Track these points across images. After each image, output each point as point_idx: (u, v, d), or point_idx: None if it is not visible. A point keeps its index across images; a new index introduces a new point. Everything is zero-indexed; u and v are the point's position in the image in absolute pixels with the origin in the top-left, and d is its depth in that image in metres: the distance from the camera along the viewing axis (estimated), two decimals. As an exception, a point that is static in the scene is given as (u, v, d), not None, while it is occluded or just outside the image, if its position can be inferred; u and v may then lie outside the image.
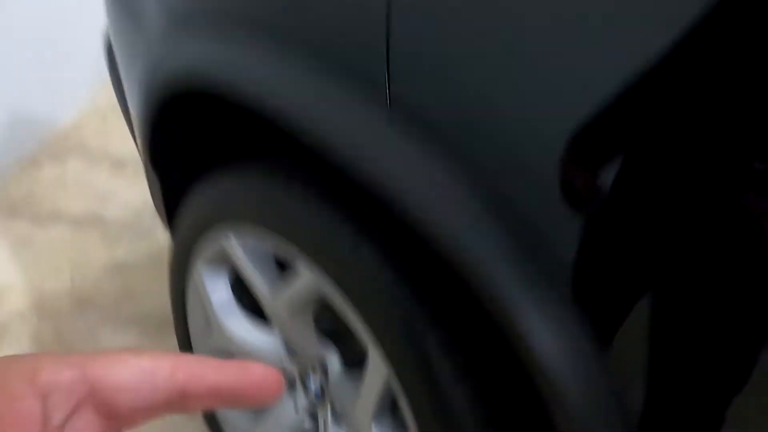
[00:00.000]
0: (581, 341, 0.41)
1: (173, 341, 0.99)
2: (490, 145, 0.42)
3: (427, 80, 0.44)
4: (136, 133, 0.92)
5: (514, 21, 0.39)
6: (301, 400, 0.77)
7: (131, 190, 1.64)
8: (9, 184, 1.59)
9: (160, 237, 1.44)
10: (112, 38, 0.95)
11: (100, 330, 1.18)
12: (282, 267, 0.70)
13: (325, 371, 0.72)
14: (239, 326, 0.78)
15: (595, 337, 0.41)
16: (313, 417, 0.77)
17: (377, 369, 0.56)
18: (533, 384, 0.43)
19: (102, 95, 2.18)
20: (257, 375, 0.18)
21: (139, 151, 0.97)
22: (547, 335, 0.41)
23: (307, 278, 0.60)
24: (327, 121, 0.48)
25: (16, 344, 1.12)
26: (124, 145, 1.82)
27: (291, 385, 0.79)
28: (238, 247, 0.69)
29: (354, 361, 0.69)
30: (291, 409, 0.78)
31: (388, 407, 0.61)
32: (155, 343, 1.14)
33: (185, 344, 0.92)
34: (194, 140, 0.83)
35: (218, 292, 0.78)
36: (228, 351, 0.83)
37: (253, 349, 0.79)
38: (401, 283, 0.53)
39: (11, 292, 1.24)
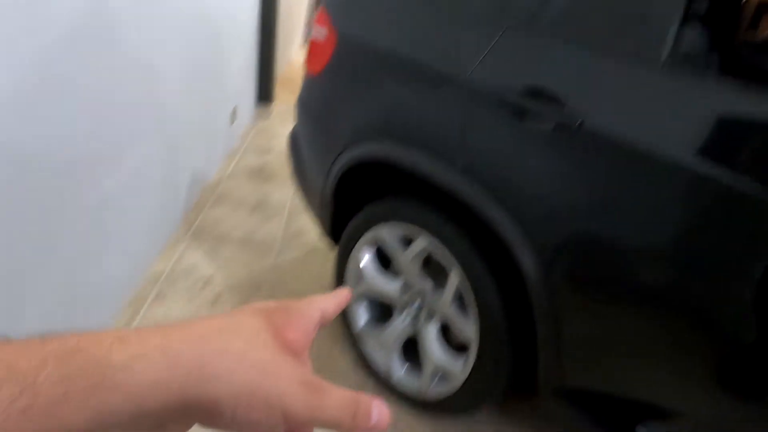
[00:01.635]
0: (537, 265, 1.17)
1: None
2: (514, 190, 1.20)
3: (481, 158, 1.23)
4: (316, 188, 1.72)
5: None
6: (409, 315, 1.53)
7: (266, 225, 2.48)
8: (191, 218, 2.43)
9: (292, 252, 2.25)
10: (306, 136, 1.78)
11: (269, 300, 1.97)
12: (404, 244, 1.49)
13: (423, 294, 1.48)
14: (379, 278, 1.57)
15: (542, 263, 1.17)
16: (414, 323, 1.53)
17: (454, 277, 1.33)
18: (523, 281, 1.19)
19: (228, 163, 3.10)
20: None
21: (305, 197, 1.78)
22: (530, 265, 1.17)
23: (422, 242, 1.39)
24: (436, 171, 1.29)
25: (227, 306, 1.90)
26: (253, 196, 2.71)
27: (402, 307, 1.55)
28: (387, 234, 1.48)
29: (437, 286, 1.45)
30: (401, 321, 1.54)
31: (457, 299, 1.37)
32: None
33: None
34: (354, 189, 1.63)
35: (369, 258, 1.57)
36: (368, 294, 1.61)
37: (383, 291, 1.56)
38: (465, 240, 1.31)
39: (214, 280, 2.04)
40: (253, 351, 0.25)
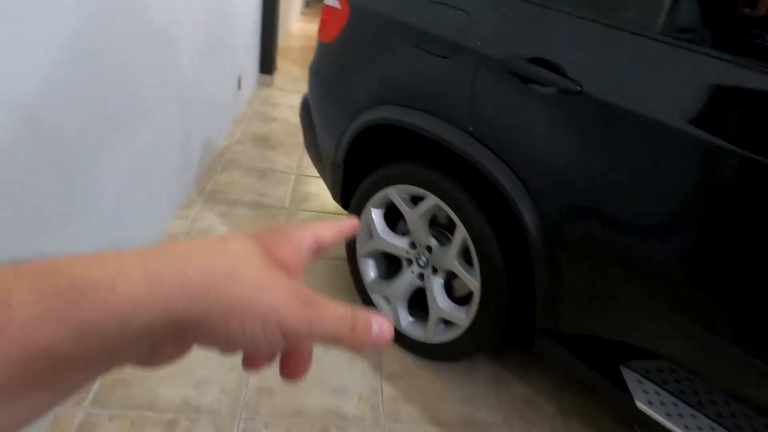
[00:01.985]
0: (538, 221, 1.29)
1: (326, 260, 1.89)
2: (516, 150, 1.31)
3: (487, 122, 1.34)
4: (327, 152, 1.83)
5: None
6: (415, 269, 1.66)
7: (275, 189, 2.58)
8: (203, 183, 2.53)
9: (300, 213, 2.36)
10: (313, 106, 1.87)
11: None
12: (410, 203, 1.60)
13: (429, 250, 1.61)
14: (388, 235, 1.69)
15: (542, 218, 1.29)
16: (420, 277, 1.65)
17: (460, 233, 1.45)
18: (523, 236, 1.31)
19: (235, 130, 3.19)
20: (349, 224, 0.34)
21: (315, 162, 1.89)
22: (530, 221, 1.29)
23: (430, 201, 1.50)
24: (445, 133, 1.39)
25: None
26: (262, 162, 2.80)
27: (410, 263, 1.68)
28: (396, 195, 1.60)
29: (442, 242, 1.58)
30: (409, 275, 1.67)
31: (462, 253, 1.50)
32: (325, 264, 2.04)
33: (352, 255, 1.81)
34: (365, 154, 1.74)
35: (378, 218, 1.69)
36: (377, 250, 1.74)
37: (391, 247, 1.68)
38: (471, 198, 1.42)
39: (228, 239, 2.15)
40: (242, 268, 0.24)
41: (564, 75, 1.18)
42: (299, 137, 3.18)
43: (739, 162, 0.99)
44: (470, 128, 1.36)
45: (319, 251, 0.31)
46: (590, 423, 1.59)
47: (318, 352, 1.65)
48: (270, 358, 0.29)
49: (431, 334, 1.62)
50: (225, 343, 0.23)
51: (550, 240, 1.29)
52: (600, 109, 1.14)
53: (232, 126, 3.22)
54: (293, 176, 2.76)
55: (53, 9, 1.11)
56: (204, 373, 1.51)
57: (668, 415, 1.18)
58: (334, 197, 1.91)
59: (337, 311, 0.25)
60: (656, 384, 1.25)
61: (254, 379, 1.52)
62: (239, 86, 3.32)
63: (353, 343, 0.25)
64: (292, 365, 0.29)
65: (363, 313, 0.25)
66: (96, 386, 1.40)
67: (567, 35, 1.21)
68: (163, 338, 0.22)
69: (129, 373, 1.45)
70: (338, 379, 1.58)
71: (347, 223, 0.35)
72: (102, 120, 1.40)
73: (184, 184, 2.34)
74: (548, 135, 1.23)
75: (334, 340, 0.25)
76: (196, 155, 2.47)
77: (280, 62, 4.52)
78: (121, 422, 1.33)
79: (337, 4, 1.72)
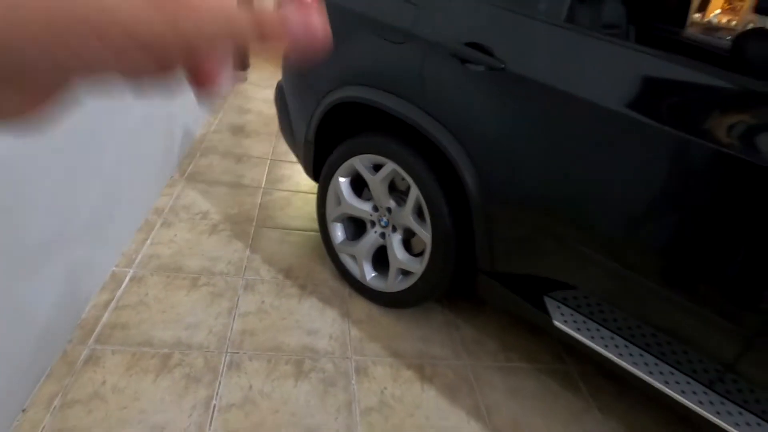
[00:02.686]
0: (470, 166, 1.55)
1: (300, 236, 2.13)
2: (458, 120, 1.58)
3: (434, 97, 1.60)
4: (299, 131, 2.07)
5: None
6: (378, 229, 1.91)
7: (252, 172, 2.80)
8: (183, 166, 2.74)
9: (276, 193, 2.59)
10: (287, 91, 2.12)
11: (260, 230, 2.31)
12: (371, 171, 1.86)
13: (389, 211, 1.86)
14: (352, 200, 1.94)
15: (480, 179, 1.55)
16: (382, 236, 1.91)
17: (414, 193, 1.71)
18: (465, 195, 1.57)
19: (213, 119, 3.39)
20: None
21: (290, 143, 2.13)
22: (470, 179, 1.55)
23: (389, 167, 1.76)
24: (400, 107, 1.65)
25: (225, 233, 2.23)
26: (238, 149, 3.02)
27: (373, 224, 1.93)
28: (360, 164, 1.85)
29: (400, 204, 1.83)
30: (373, 235, 1.92)
31: (416, 211, 1.76)
32: (289, 235, 2.27)
33: (323, 220, 2.06)
34: (332, 131, 1.98)
35: (345, 185, 1.94)
36: (344, 214, 1.99)
37: (357, 210, 1.93)
38: (423, 163, 1.68)
39: (211, 213, 2.37)
40: None
41: (492, 55, 1.45)
42: (274, 127, 3.42)
43: (629, 123, 1.28)
44: (421, 103, 1.62)
45: None
46: (527, 356, 1.87)
47: (293, 303, 1.90)
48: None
49: (391, 284, 1.88)
50: (55, 81, 0.18)
51: (486, 196, 1.56)
52: (519, 83, 1.41)
53: (209, 117, 3.42)
54: (268, 161, 2.98)
55: None
56: (193, 319, 1.72)
57: (578, 330, 1.46)
58: (306, 171, 2.15)
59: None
60: (571, 308, 1.53)
61: (238, 323, 1.75)
62: (215, 79, 3.52)
63: (262, 35, 0.20)
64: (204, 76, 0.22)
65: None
66: (98, 327, 1.61)
67: (495, 23, 1.48)
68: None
69: (126, 317, 1.66)
70: (312, 323, 1.82)
71: None
72: (95, 102, 1.61)
73: (169, 165, 2.54)
74: (482, 107, 1.50)
75: (226, 34, 0.20)
76: (178, 140, 2.68)
77: (254, 59, 4.72)
78: (122, 356, 1.54)
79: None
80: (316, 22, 0.21)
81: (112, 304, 1.71)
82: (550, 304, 1.55)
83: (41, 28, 0.17)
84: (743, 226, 1.18)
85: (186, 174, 2.65)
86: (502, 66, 1.43)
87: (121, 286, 1.79)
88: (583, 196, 1.40)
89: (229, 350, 1.63)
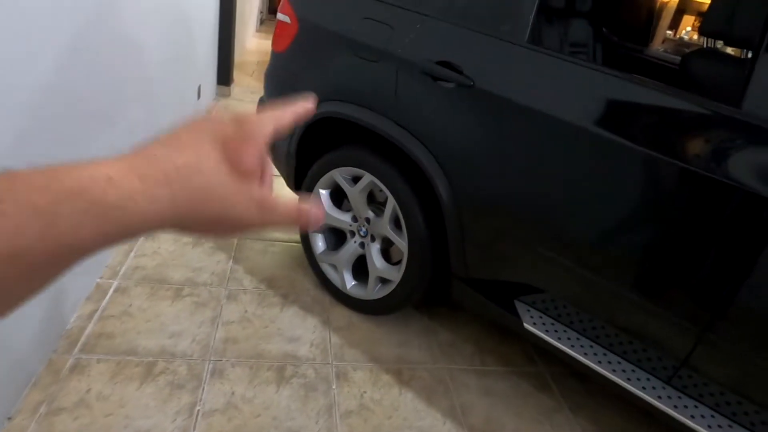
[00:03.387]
0: (441, 175, 1.64)
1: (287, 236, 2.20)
2: (431, 134, 1.66)
3: (408, 112, 1.69)
4: (281, 145, 2.14)
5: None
6: (357, 239, 1.98)
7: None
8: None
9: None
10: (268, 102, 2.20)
11: (244, 241, 2.36)
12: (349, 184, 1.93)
13: (368, 222, 1.94)
14: (333, 211, 2.01)
15: (452, 190, 1.64)
16: (362, 246, 1.98)
17: (390, 203, 1.79)
18: (439, 205, 1.66)
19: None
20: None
21: (273, 157, 2.20)
22: (443, 190, 1.64)
23: (367, 179, 1.84)
24: (376, 122, 1.74)
25: (208, 244, 2.29)
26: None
27: (353, 234, 2.00)
28: (340, 176, 1.92)
29: (378, 214, 1.91)
30: (352, 245, 1.99)
31: (393, 221, 1.83)
32: (281, 246, 2.33)
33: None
34: (312, 145, 2.06)
35: (326, 196, 2.01)
36: (325, 225, 2.06)
37: (337, 221, 2.00)
38: (399, 175, 1.77)
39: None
40: (215, 187, 0.30)
41: (461, 73, 1.55)
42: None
43: (591, 136, 1.37)
44: (395, 117, 1.71)
45: (282, 131, 0.36)
46: (502, 360, 1.95)
47: (275, 311, 1.95)
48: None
49: (371, 292, 1.94)
50: (199, 236, 0.34)
51: (457, 205, 1.64)
52: (487, 99, 1.51)
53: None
54: (251, 174, 3.04)
55: (53, 21, 1.39)
56: (177, 327, 1.77)
57: (547, 332, 1.54)
58: (288, 183, 2.22)
59: (286, 208, 0.34)
60: (540, 311, 1.62)
61: (221, 332, 1.80)
62: (199, 95, 3.59)
63: (296, 225, 0.35)
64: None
65: (303, 207, 0.35)
66: (83, 337, 1.65)
67: (464, 43, 1.58)
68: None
69: (111, 327, 1.70)
70: (293, 331, 1.88)
71: (303, 105, 0.38)
72: (86, 111, 1.67)
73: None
74: (453, 121, 1.59)
75: (285, 226, 0.35)
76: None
77: (237, 75, 4.80)
78: (107, 364, 1.58)
79: (288, 19, 2.05)
80: (322, 214, 0.37)
81: (97, 315, 1.75)
82: (521, 307, 1.63)
83: (208, 229, 0.33)
84: (699, 233, 1.28)
85: (170, 187, 2.70)
86: (471, 83, 1.52)
87: (105, 297, 1.83)
88: (547, 204, 1.49)
89: (212, 358, 1.68)
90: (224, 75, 4.42)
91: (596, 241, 1.45)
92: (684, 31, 8.32)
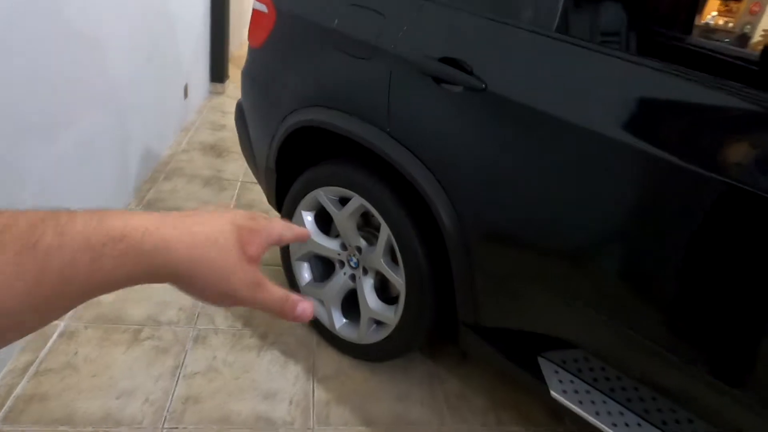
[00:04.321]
0: (444, 198, 1.30)
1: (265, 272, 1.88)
2: (431, 149, 1.33)
3: (403, 122, 1.36)
4: (261, 156, 1.82)
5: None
6: (347, 270, 1.66)
7: (218, 196, 2.56)
8: (143, 192, 2.49)
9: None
10: (247, 111, 1.87)
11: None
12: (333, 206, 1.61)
13: (360, 251, 1.61)
14: (319, 237, 1.69)
15: (457, 215, 1.31)
16: (352, 278, 1.66)
17: (384, 232, 1.47)
18: (441, 234, 1.32)
19: (182, 138, 3.15)
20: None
21: (252, 166, 1.88)
22: (446, 218, 1.31)
23: (356, 202, 1.51)
24: (366, 134, 1.41)
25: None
26: (206, 170, 2.78)
27: (342, 264, 1.68)
28: (325, 197, 1.60)
29: (371, 242, 1.58)
30: (342, 277, 1.67)
31: (389, 252, 1.51)
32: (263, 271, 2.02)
33: (287, 255, 1.81)
34: (295, 156, 1.74)
35: (310, 220, 1.69)
36: (311, 252, 1.73)
37: (325, 248, 1.68)
38: (394, 198, 1.44)
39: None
40: (222, 260, 0.35)
41: (471, 73, 1.21)
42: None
43: (636, 156, 1.03)
44: (389, 128, 1.38)
45: (278, 244, 0.42)
46: (522, 416, 1.62)
47: (251, 357, 1.64)
48: None
49: (363, 334, 1.62)
50: (193, 296, 0.36)
51: (466, 236, 1.31)
52: (503, 106, 1.17)
53: (179, 134, 3.18)
54: (239, 183, 2.74)
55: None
56: (129, 383, 1.47)
57: (580, 403, 1.21)
58: (269, 201, 1.90)
59: (276, 294, 0.38)
60: (571, 373, 1.28)
61: (181, 387, 1.49)
62: (186, 94, 3.28)
63: (282, 316, 0.39)
64: None
65: (294, 298, 0.39)
66: (10, 400, 1.35)
67: (474, 35, 1.24)
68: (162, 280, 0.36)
69: (47, 385, 1.41)
70: (270, 383, 1.57)
71: (303, 232, 0.45)
72: (10, 123, 1.37)
73: (122, 194, 2.29)
74: (459, 133, 1.26)
75: (269, 311, 0.38)
76: (135, 164, 2.43)
77: (233, 70, 4.48)
78: (35, 437, 1.28)
79: (264, 8, 1.72)
80: (310, 313, 0.40)
81: (32, 369, 1.46)
82: (546, 367, 1.30)
83: (206, 293, 0.37)
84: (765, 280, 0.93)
85: (144, 201, 2.41)
86: (483, 86, 1.18)
87: (46, 345, 1.54)
88: (579, 238, 1.16)
89: (166, 425, 1.38)
90: (218, 71, 4.11)
91: (640, 285, 1.11)
92: (709, 16, 7.80)
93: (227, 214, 0.38)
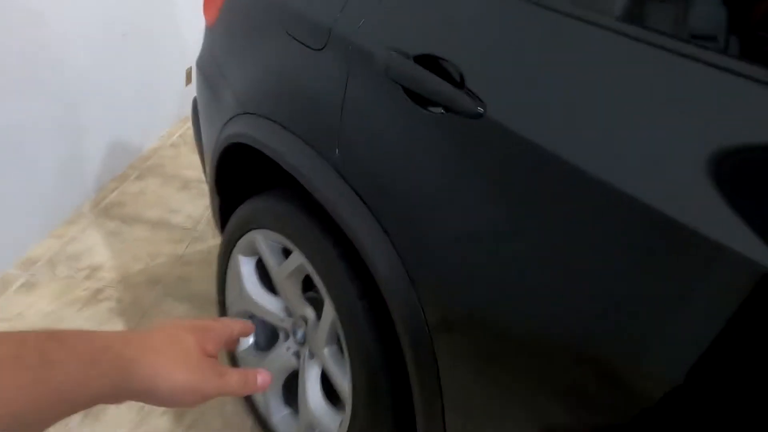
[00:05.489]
0: (399, 272, 0.80)
1: (214, 312, 1.44)
2: (388, 193, 0.84)
3: (355, 151, 0.87)
4: (207, 168, 1.39)
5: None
6: (291, 344, 1.19)
7: (193, 204, 2.15)
8: (105, 192, 2.12)
9: (210, 240, 1.92)
10: (200, 106, 1.44)
11: (163, 301, 1.64)
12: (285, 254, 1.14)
13: (306, 323, 1.14)
14: (258, 294, 1.22)
15: (414, 291, 0.81)
16: (297, 356, 1.19)
17: (329, 310, 0.98)
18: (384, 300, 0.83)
19: (176, 130, 2.76)
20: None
21: (206, 179, 1.45)
22: (398, 299, 0.81)
23: (296, 260, 1.04)
24: (299, 160, 0.92)
25: (108, 304, 1.59)
26: (191, 170, 2.36)
27: (286, 335, 1.21)
28: (263, 242, 1.13)
29: (320, 316, 1.10)
30: (284, 352, 1.20)
31: (334, 341, 1.03)
32: (201, 313, 1.59)
33: (223, 310, 1.36)
34: (238, 176, 1.28)
35: (247, 270, 1.23)
36: (249, 313, 1.27)
37: (265, 310, 1.22)
38: (347, 268, 0.95)
39: (103, 269, 1.73)
40: (184, 359, 0.39)
41: (461, 85, 0.70)
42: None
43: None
44: (336, 153, 0.89)
45: (231, 338, 0.48)
46: None
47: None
48: None
49: (302, 439, 1.15)
50: (161, 403, 0.39)
51: (432, 330, 0.80)
52: (509, 144, 0.66)
53: (174, 125, 2.80)
54: (223, 189, 2.32)
55: None
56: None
57: None
58: (215, 223, 1.45)
59: (236, 375, 0.43)
60: None
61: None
62: (189, 80, 2.90)
63: (247, 392, 0.44)
64: None
65: (250, 371, 0.45)
66: None
67: (470, 21, 0.73)
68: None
69: None
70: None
71: (247, 339, 0.74)
72: None
73: (71, 195, 1.93)
74: (435, 176, 0.75)
75: (235, 394, 0.43)
76: (98, 160, 2.06)
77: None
78: None
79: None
80: (268, 380, 0.46)
81: None
82: None
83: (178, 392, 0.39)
84: None
85: (100, 205, 2.03)
86: (480, 111, 0.67)
87: None
88: (591, 329, 0.63)
89: None
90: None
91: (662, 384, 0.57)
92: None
93: (182, 324, 0.43)
